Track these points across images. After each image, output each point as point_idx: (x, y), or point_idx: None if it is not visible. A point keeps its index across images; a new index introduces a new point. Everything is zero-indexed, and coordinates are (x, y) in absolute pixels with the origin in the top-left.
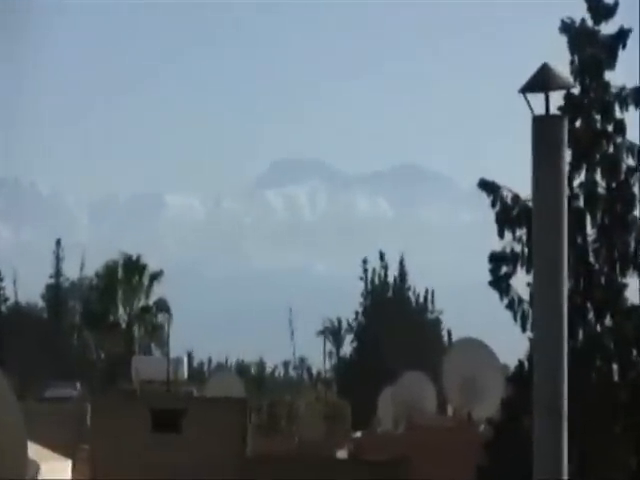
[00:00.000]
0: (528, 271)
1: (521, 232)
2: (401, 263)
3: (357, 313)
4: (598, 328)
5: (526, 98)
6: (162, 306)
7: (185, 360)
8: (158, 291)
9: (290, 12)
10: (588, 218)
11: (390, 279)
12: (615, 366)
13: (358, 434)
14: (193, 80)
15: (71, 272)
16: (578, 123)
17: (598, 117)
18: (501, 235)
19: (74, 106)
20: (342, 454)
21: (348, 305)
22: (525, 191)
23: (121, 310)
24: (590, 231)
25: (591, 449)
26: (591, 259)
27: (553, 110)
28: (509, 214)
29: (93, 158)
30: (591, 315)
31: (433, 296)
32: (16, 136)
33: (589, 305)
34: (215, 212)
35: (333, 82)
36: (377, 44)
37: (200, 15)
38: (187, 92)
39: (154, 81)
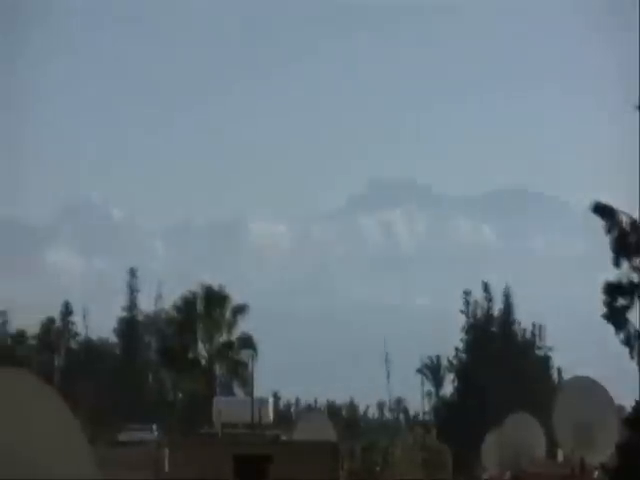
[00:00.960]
0: None
1: None
2: (506, 295)
3: (458, 349)
4: None
5: None
6: (246, 342)
7: (270, 401)
8: (241, 326)
9: (401, 29)
10: None
11: (495, 312)
12: None
13: None
14: (281, 98)
15: (146, 304)
16: None
17: None
18: (617, 264)
19: (147, 128)
20: None
21: (448, 341)
22: None
23: (201, 346)
24: None
25: None
26: None
27: None
28: (626, 241)
29: (169, 181)
30: None
31: (542, 331)
32: (87, 161)
33: None
34: (303, 239)
35: (435, 101)
36: (484, 67)
37: (292, 28)
38: (273, 110)
39: (235, 98)
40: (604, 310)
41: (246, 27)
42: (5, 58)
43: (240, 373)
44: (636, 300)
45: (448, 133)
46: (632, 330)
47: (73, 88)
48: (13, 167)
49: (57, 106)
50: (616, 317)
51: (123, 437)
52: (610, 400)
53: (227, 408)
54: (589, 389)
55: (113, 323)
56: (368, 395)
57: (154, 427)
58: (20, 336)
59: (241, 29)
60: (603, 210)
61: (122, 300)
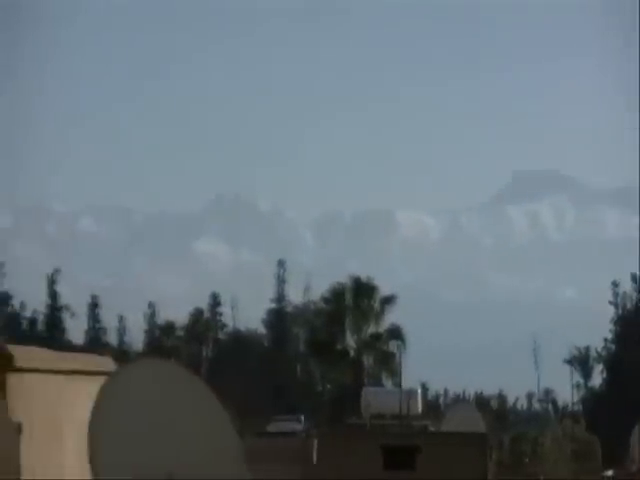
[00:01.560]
0: None
1: None
2: None
3: (606, 340)
4: None
5: None
6: (394, 333)
7: (419, 392)
8: (390, 317)
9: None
10: None
11: None
12: None
13: (610, 472)
14: (428, 90)
15: (295, 296)
16: None
17: None
18: None
19: (295, 122)
20: None
21: (597, 332)
22: None
23: (349, 337)
24: None
25: None
26: None
27: None
28: None
29: (317, 174)
30: None
31: None
32: (235, 153)
33: None
34: (451, 230)
35: (571, 87)
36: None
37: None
38: (419, 103)
39: (386, 95)
40: None
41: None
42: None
43: (389, 364)
44: None
45: (589, 124)
46: None
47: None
48: (164, 161)
49: (200, 99)
50: None
51: (271, 428)
52: None
53: (375, 399)
54: None
55: (261, 314)
56: (517, 386)
57: (302, 418)
58: (169, 327)
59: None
60: None
61: (270, 291)
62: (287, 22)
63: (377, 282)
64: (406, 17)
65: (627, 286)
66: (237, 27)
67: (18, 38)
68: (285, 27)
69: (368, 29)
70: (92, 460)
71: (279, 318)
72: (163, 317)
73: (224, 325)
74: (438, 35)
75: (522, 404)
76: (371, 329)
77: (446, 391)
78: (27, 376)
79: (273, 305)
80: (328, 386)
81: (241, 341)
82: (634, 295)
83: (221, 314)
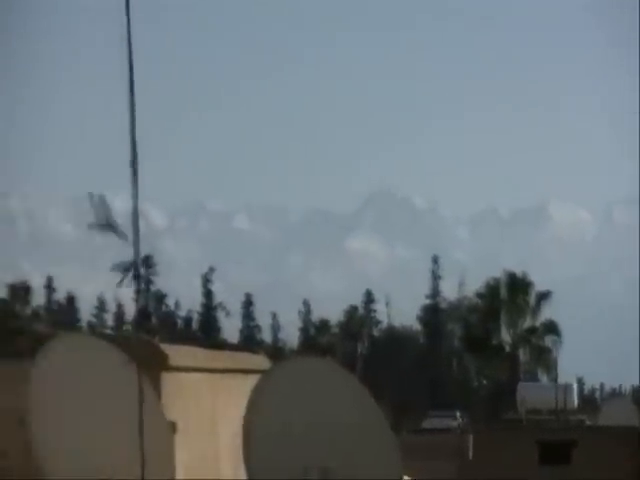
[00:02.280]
0: None
1: None
2: None
3: None
4: None
5: None
6: (550, 328)
7: (575, 387)
8: (545, 312)
9: None
10: None
11: None
12: None
13: None
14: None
15: (450, 292)
16: None
17: None
18: None
19: (443, 120)
20: None
21: None
22: None
23: (505, 333)
24: None
25: None
26: None
27: None
28: None
29: (471, 170)
30: None
31: None
32: (389, 150)
33: None
34: (606, 225)
35: None
36: None
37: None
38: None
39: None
40: None
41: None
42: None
43: (544, 359)
44: None
45: None
46: None
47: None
48: (318, 159)
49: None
50: None
51: (427, 424)
52: None
53: (531, 394)
54: None
55: (416, 310)
56: None
57: (458, 414)
58: (323, 325)
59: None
60: None
61: (425, 287)
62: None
63: (532, 277)
64: None
65: None
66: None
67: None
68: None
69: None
70: (247, 458)
71: (434, 314)
72: (317, 315)
73: (378, 322)
74: None
75: None
76: (527, 324)
77: (602, 386)
78: (182, 375)
79: (428, 301)
80: (484, 381)
81: (396, 337)
82: None
83: (375, 311)
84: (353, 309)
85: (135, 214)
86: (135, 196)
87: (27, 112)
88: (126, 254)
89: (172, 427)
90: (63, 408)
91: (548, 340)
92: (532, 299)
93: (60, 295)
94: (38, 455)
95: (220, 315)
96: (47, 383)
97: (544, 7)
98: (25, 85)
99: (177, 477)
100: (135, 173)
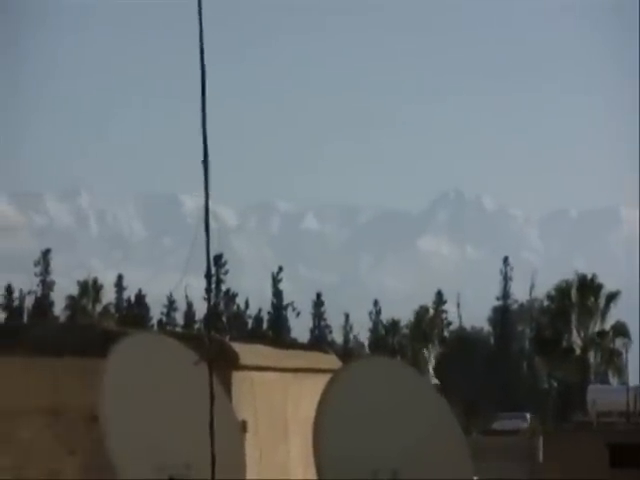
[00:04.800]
0: None
1: None
2: None
3: None
4: None
5: None
6: (620, 330)
7: None
8: (615, 314)
9: None
10: None
11: None
12: None
13: None
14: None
15: (520, 293)
16: None
17: None
18: None
19: (502, 120)
20: None
21: None
22: None
23: (575, 335)
24: None
25: None
26: None
27: None
28: None
29: (540, 171)
30: None
31: None
32: (455, 150)
33: None
34: None
35: None
36: None
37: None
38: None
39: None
40: None
41: None
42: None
43: (615, 361)
44: None
45: None
46: None
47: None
48: (388, 159)
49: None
50: None
51: (497, 426)
52: None
53: (602, 396)
54: None
55: (487, 312)
56: None
57: (528, 416)
58: (393, 325)
59: None
60: None
61: (496, 289)
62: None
63: (602, 279)
64: None
65: None
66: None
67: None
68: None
69: None
70: (317, 458)
71: (504, 316)
72: (388, 315)
73: (449, 323)
74: None
75: None
76: (597, 326)
77: None
78: (252, 374)
79: (498, 302)
80: (553, 383)
81: (466, 339)
82: None
83: (446, 312)
84: (423, 310)
85: (206, 213)
86: (206, 195)
87: (99, 111)
88: (197, 253)
89: (242, 426)
90: (134, 406)
91: (618, 342)
92: (602, 301)
93: (130, 293)
94: (108, 453)
95: (290, 315)
96: (118, 381)
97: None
98: (96, 83)
99: (247, 475)
100: (206, 172)
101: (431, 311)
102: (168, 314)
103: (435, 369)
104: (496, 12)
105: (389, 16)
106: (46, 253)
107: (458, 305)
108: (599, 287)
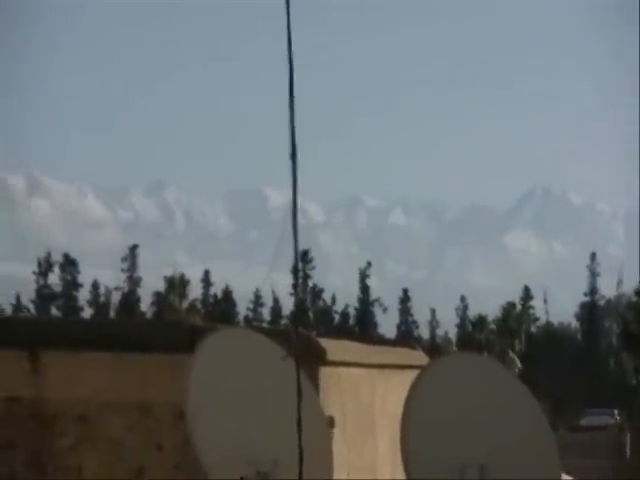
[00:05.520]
0: None
1: None
2: None
3: None
4: None
5: None
6: None
7: None
8: None
9: None
10: None
11: None
12: None
13: None
14: None
15: (607, 289)
16: None
17: None
18: None
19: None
20: None
21: None
22: None
23: None
24: None
25: None
26: None
27: None
28: None
29: (625, 164)
30: None
31: None
32: (542, 144)
33: None
34: None
35: None
36: None
37: None
38: None
39: None
40: None
41: None
42: None
43: None
44: None
45: None
46: None
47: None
48: (474, 154)
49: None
50: None
51: (584, 422)
52: None
53: None
54: None
55: (574, 308)
56: None
57: (615, 412)
58: (480, 321)
59: None
60: None
61: (583, 285)
62: None
63: None
64: None
65: None
66: None
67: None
68: None
69: None
70: (404, 454)
71: (592, 311)
72: (474, 311)
73: (536, 319)
74: None
75: None
76: None
77: None
78: (339, 370)
79: (586, 298)
80: None
81: (553, 335)
82: None
83: (533, 307)
84: (510, 305)
85: (294, 208)
86: (294, 190)
87: (186, 107)
88: (284, 249)
89: (330, 422)
90: (221, 402)
91: None
92: None
93: (217, 289)
94: (195, 449)
95: (377, 310)
96: (205, 377)
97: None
98: (182, 79)
99: (334, 471)
100: (294, 167)
101: (518, 307)
102: (255, 310)
103: (522, 364)
104: None
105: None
106: (133, 249)
107: (545, 301)
108: None
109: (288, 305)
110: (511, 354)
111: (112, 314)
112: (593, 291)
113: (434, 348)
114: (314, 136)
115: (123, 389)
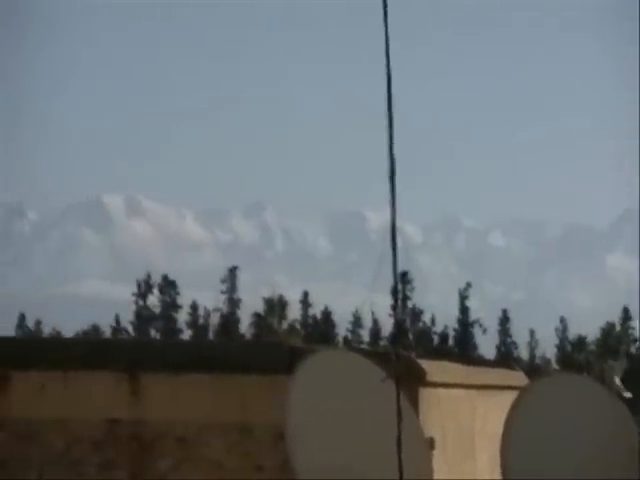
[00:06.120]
0: None
1: None
2: None
3: None
4: None
5: None
6: None
7: None
8: None
9: None
10: None
11: None
12: None
13: None
14: None
15: None
16: None
17: None
18: None
19: None
20: None
21: None
22: None
23: None
24: None
25: None
26: None
27: None
28: None
29: None
30: None
31: None
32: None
33: None
34: None
35: None
36: None
37: None
38: None
39: None
40: None
41: None
42: None
43: None
44: None
45: None
46: None
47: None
48: (577, 174)
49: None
50: None
51: None
52: None
53: None
54: None
55: None
56: None
57: None
58: (580, 342)
59: None
60: None
61: None
62: None
63: None
64: None
65: None
66: None
67: None
68: None
69: None
70: (504, 475)
71: None
72: (574, 331)
73: (635, 339)
74: None
75: None
76: None
77: None
78: (439, 391)
79: None
80: None
81: None
82: None
83: (633, 328)
84: (610, 326)
85: (392, 230)
86: (393, 211)
87: (286, 127)
88: (383, 270)
89: (430, 443)
90: (320, 424)
91: None
92: None
93: (316, 310)
94: (295, 470)
95: (476, 331)
96: (305, 398)
97: None
98: (284, 100)
99: None
100: (393, 188)
101: (618, 327)
102: (354, 331)
103: (623, 384)
104: None
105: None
106: (233, 270)
107: None
108: None
109: (387, 326)
110: (613, 376)
111: (211, 336)
112: None
113: (533, 369)
114: (412, 156)
115: (223, 410)
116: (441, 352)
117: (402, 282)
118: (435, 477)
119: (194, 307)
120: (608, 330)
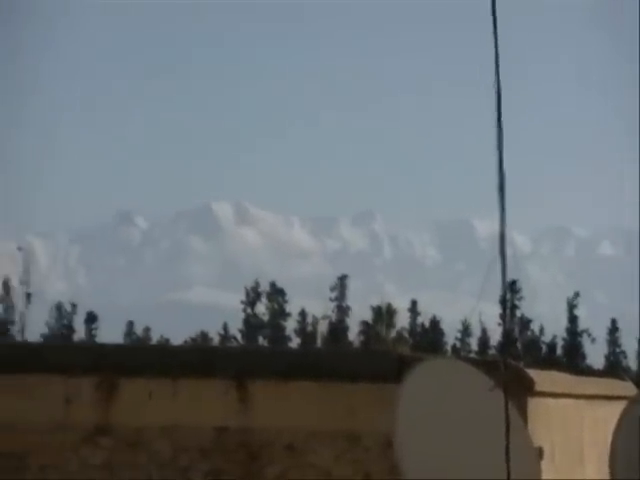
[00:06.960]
0: None
1: None
2: None
3: None
4: None
5: None
6: None
7: None
8: None
9: None
10: None
11: None
12: None
13: None
14: None
15: None
16: None
17: None
18: None
19: None
20: None
21: None
22: None
23: None
24: None
25: None
26: None
27: None
28: None
29: None
30: None
31: None
32: None
33: None
34: None
35: None
36: None
37: None
38: None
39: None
40: None
41: None
42: None
43: None
44: None
45: None
46: None
47: None
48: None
49: None
50: None
51: None
52: None
53: None
54: None
55: None
56: None
57: None
58: None
59: None
60: None
61: None
62: None
63: None
64: None
65: None
66: None
67: None
68: None
69: None
70: None
71: None
72: None
73: None
74: None
75: None
76: None
77: None
78: (548, 400)
79: None
80: None
81: None
82: None
83: None
84: None
85: (502, 239)
86: (502, 221)
87: (395, 137)
88: (492, 279)
89: (539, 452)
90: (429, 432)
91: None
92: None
93: (424, 318)
94: (404, 478)
95: (585, 341)
96: (413, 407)
97: None
98: (391, 110)
99: None
100: (502, 198)
101: None
102: (462, 340)
103: None
104: None
105: None
106: (342, 278)
107: None
108: None
109: (496, 335)
110: None
111: (319, 343)
112: None
113: None
114: (521, 166)
115: (331, 418)
116: (549, 362)
117: (511, 291)
118: None
119: (302, 315)
120: None
